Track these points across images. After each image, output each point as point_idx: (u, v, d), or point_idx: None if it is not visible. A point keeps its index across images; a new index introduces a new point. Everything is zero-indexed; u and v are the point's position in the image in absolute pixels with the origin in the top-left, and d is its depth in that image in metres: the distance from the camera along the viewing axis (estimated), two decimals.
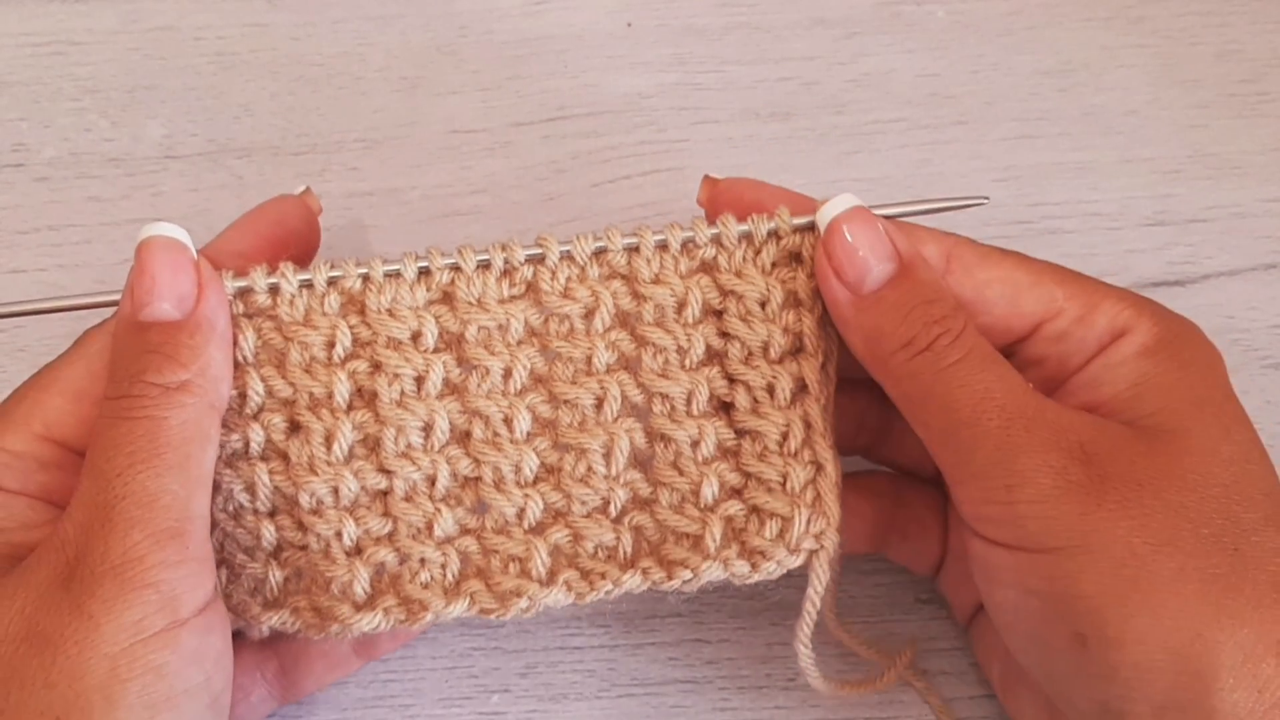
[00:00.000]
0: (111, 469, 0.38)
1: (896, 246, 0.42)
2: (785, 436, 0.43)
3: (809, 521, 0.42)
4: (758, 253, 0.44)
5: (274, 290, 0.43)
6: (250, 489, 0.43)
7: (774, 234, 0.44)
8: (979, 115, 0.61)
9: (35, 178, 0.58)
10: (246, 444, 0.43)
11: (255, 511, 0.43)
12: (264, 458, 0.43)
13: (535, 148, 0.60)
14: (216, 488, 0.42)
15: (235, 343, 0.42)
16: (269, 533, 0.43)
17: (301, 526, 0.43)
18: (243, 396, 0.43)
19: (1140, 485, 0.38)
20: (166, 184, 0.58)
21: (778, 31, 0.63)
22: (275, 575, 0.43)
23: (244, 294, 0.43)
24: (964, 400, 0.40)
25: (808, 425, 0.43)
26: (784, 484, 0.43)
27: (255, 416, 0.43)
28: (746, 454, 0.43)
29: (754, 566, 0.42)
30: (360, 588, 0.42)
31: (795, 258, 0.44)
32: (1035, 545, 0.39)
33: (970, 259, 0.43)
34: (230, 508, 0.43)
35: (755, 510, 0.43)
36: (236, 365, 0.43)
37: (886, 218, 0.44)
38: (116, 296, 0.42)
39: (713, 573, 0.42)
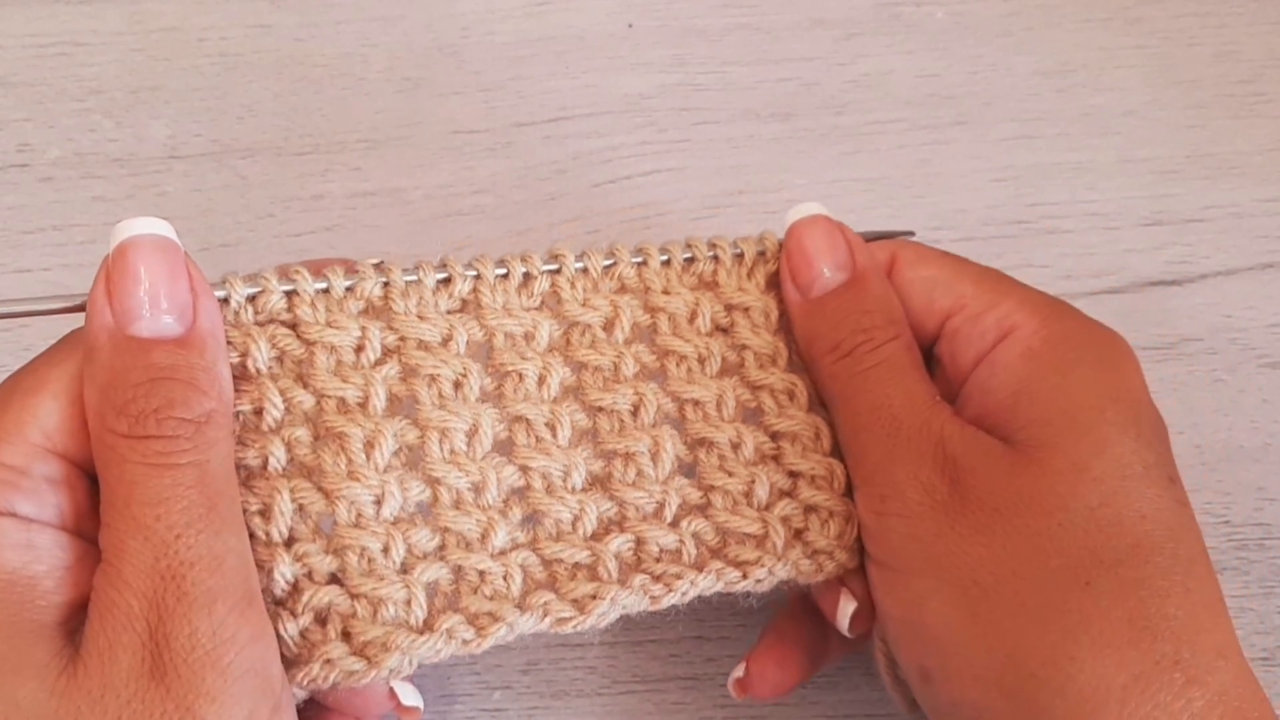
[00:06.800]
0: (165, 528, 0.33)
1: (854, 258, 0.43)
2: (818, 436, 0.43)
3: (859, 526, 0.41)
4: (750, 273, 0.45)
5: (290, 295, 0.40)
6: (265, 513, 0.38)
7: (763, 255, 0.45)
8: (978, 116, 0.62)
9: (40, 178, 0.59)
10: (264, 461, 0.39)
11: (269, 541, 0.38)
12: (285, 475, 0.39)
13: (537, 148, 0.60)
14: None
15: (247, 353, 0.39)
16: (284, 566, 0.37)
17: (331, 549, 0.38)
18: (258, 413, 0.39)
19: (996, 510, 0.37)
20: (170, 184, 0.59)
21: (778, 33, 0.64)
22: (289, 627, 0.37)
23: (255, 299, 0.40)
24: (865, 404, 0.40)
25: (834, 430, 0.43)
26: (831, 482, 0.42)
27: (276, 431, 0.39)
28: (788, 454, 0.43)
29: (819, 567, 0.41)
30: (418, 611, 0.38)
31: None
32: (894, 562, 0.39)
33: (910, 258, 0.44)
34: None
35: (811, 509, 0.42)
36: (251, 378, 0.39)
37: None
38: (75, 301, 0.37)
39: (785, 572, 0.41)
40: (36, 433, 0.35)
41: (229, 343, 0.39)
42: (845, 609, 0.41)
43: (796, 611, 0.45)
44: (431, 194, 0.59)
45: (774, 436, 0.43)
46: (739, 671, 0.44)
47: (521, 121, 0.61)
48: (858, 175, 0.60)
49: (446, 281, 0.42)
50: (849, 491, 0.42)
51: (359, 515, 0.39)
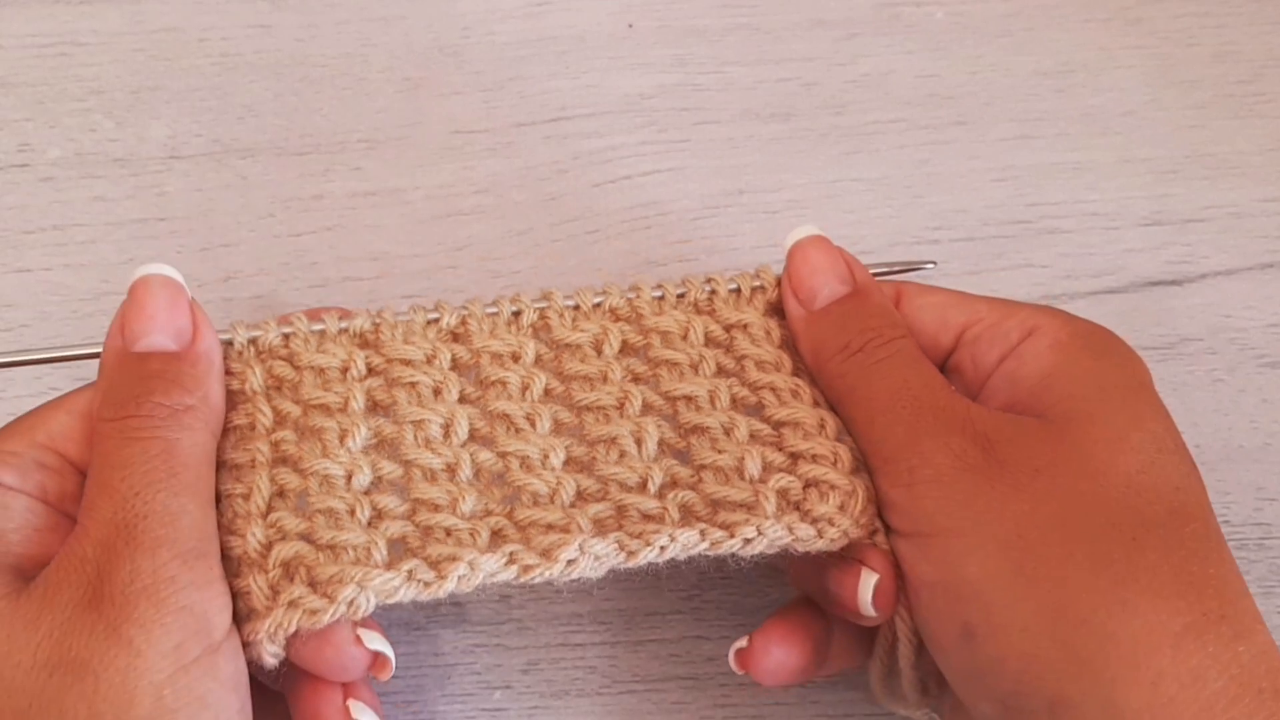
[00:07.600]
0: (128, 487, 0.37)
1: (854, 273, 0.45)
2: (822, 426, 0.43)
3: (867, 501, 0.41)
4: (749, 301, 0.46)
5: (286, 337, 0.44)
6: (247, 495, 0.41)
7: (759, 288, 0.46)
8: (978, 116, 0.62)
9: (40, 178, 0.59)
10: (253, 460, 0.42)
11: (248, 513, 0.41)
12: (270, 464, 0.42)
13: (537, 148, 0.60)
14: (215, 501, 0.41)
15: (245, 380, 0.43)
16: (257, 529, 0.40)
17: (302, 513, 0.41)
18: (251, 426, 0.42)
19: (1037, 471, 0.38)
20: (171, 184, 0.59)
21: (778, 33, 0.64)
22: (259, 582, 0.39)
23: (255, 341, 0.44)
24: (882, 390, 0.41)
25: (839, 428, 0.43)
26: (835, 463, 0.42)
27: (265, 435, 0.42)
28: (789, 439, 0.42)
29: (819, 533, 0.40)
30: (378, 554, 0.39)
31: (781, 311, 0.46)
32: (929, 527, 0.39)
33: (916, 289, 0.46)
34: (224, 519, 0.41)
35: (811, 483, 0.41)
36: (245, 397, 0.43)
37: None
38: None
39: (777, 533, 0.40)
40: (42, 434, 0.40)
41: (229, 373, 0.43)
42: (867, 582, 0.41)
43: (802, 605, 0.45)
44: (431, 194, 0.59)
45: (776, 426, 0.43)
46: (742, 642, 0.44)
47: (521, 121, 0.61)
48: (858, 175, 0.60)
49: (436, 321, 0.45)
50: (854, 476, 0.41)
51: (330, 485, 0.41)
